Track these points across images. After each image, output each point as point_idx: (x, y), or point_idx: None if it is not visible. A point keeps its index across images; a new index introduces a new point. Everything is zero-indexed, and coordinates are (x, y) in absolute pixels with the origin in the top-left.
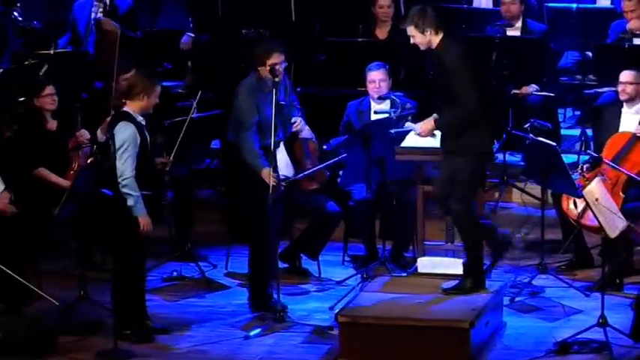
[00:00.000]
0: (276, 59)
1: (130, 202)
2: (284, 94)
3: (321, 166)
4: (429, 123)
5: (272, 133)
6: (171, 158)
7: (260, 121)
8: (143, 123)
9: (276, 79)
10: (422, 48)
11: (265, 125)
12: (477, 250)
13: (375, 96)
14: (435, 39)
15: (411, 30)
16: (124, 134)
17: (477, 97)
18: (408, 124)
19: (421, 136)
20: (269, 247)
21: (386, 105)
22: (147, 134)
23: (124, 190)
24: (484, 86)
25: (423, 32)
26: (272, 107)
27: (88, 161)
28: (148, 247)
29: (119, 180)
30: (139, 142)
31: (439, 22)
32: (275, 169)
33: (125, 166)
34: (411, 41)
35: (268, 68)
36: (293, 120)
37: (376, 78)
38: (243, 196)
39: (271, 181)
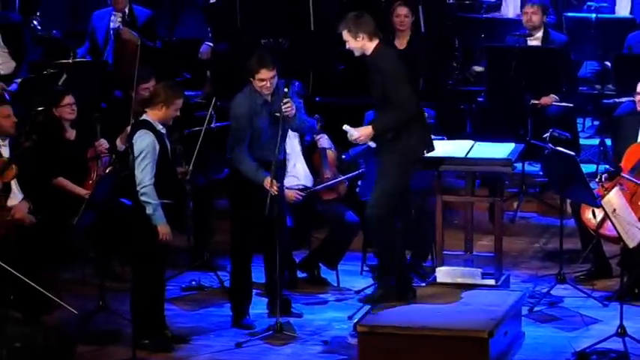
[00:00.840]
0: (265, 75)
1: (148, 210)
2: (278, 107)
3: (342, 178)
4: (366, 128)
5: (277, 145)
6: (190, 168)
7: (254, 133)
8: (163, 131)
9: (265, 94)
10: (356, 54)
11: (260, 138)
12: (388, 259)
13: None
14: (369, 45)
15: (344, 34)
16: (143, 142)
17: (414, 100)
18: (346, 127)
19: (359, 142)
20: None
21: None
22: (167, 143)
23: (143, 198)
24: (417, 93)
25: (355, 37)
26: (268, 119)
27: (107, 170)
28: (168, 256)
29: (138, 188)
30: (158, 150)
31: (374, 28)
32: (277, 179)
33: (144, 175)
34: (346, 46)
35: (258, 83)
36: (284, 101)
37: None
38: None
39: (273, 190)
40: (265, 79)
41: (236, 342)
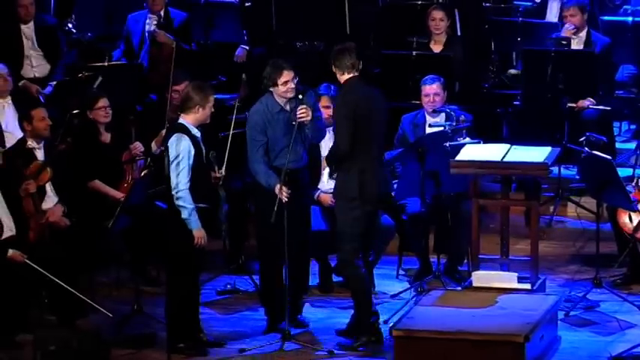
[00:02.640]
0: (287, 76)
1: (184, 214)
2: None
3: None
4: None
5: (289, 150)
6: (223, 172)
7: (270, 142)
8: (198, 135)
9: (290, 96)
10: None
11: (276, 146)
12: (362, 300)
13: (430, 109)
14: (341, 78)
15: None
16: (179, 146)
17: (350, 143)
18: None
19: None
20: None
21: (440, 118)
22: (202, 147)
23: (178, 202)
24: (378, 134)
25: (335, 70)
26: (284, 127)
27: (142, 174)
28: (203, 260)
29: (173, 192)
30: (193, 154)
31: (352, 62)
32: (286, 185)
33: (179, 179)
34: None
35: (282, 88)
36: (300, 107)
37: (431, 91)
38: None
39: (283, 197)
40: (288, 80)
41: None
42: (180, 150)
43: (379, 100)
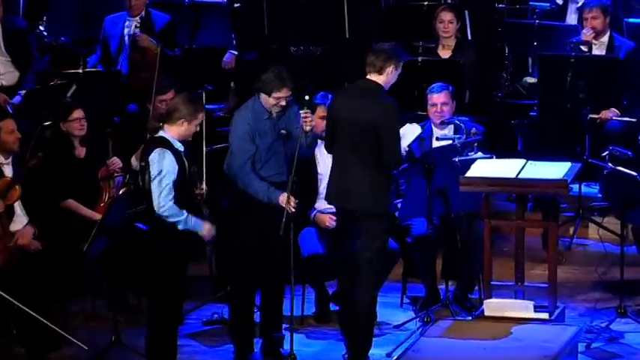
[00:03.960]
0: (284, 93)
1: (181, 226)
2: (286, 124)
3: None
4: None
5: (294, 161)
6: (204, 187)
7: (257, 152)
8: (181, 149)
9: (276, 112)
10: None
11: (264, 156)
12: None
13: (437, 121)
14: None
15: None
16: (162, 162)
17: None
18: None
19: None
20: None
21: (449, 131)
22: (186, 162)
23: (170, 220)
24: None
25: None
26: (272, 135)
27: (121, 192)
28: (187, 286)
29: (159, 212)
30: (177, 170)
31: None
32: (294, 194)
33: (162, 197)
34: None
35: (272, 100)
36: (303, 112)
37: (438, 101)
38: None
39: (290, 207)
40: (284, 97)
41: None
42: (164, 166)
43: None
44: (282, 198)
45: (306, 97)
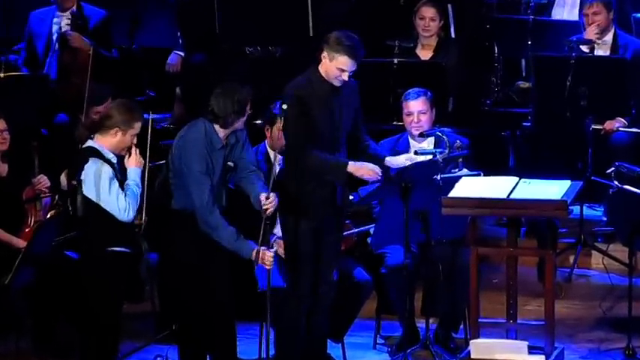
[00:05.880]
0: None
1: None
2: (233, 155)
3: (349, 232)
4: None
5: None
6: (144, 217)
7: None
8: (114, 161)
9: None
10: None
11: (215, 191)
12: None
13: (415, 132)
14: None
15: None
16: (100, 169)
17: None
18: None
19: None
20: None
21: (429, 144)
22: (120, 177)
23: (132, 215)
24: None
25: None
26: (221, 167)
27: (49, 215)
28: (125, 324)
29: (126, 218)
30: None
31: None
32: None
33: (121, 200)
34: None
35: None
36: (264, 196)
37: (414, 109)
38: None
39: (266, 264)
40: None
41: None
42: (103, 172)
43: None
44: (254, 253)
45: (284, 107)
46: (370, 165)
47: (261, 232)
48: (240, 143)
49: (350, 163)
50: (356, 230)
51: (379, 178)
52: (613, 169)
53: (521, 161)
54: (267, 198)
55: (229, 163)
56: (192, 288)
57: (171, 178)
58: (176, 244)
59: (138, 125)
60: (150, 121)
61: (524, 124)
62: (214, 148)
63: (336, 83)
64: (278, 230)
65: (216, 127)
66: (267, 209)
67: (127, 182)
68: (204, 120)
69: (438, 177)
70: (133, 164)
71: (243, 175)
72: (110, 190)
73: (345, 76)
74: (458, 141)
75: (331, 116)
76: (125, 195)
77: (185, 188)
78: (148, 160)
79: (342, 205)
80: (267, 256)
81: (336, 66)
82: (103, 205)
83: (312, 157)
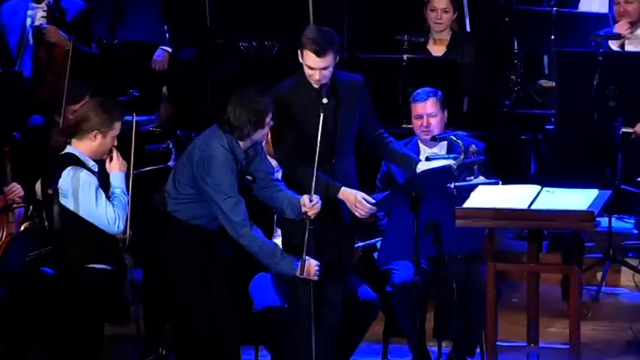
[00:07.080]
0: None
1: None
2: (253, 167)
3: (358, 245)
4: None
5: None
6: (128, 232)
7: None
8: (95, 170)
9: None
10: None
11: None
12: None
13: (425, 137)
14: None
15: None
16: (81, 179)
17: None
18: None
19: None
20: None
21: (441, 149)
22: (101, 185)
23: (122, 226)
24: None
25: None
26: (241, 180)
27: (22, 228)
28: (105, 348)
29: (110, 228)
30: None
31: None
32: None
33: (108, 211)
34: None
35: (260, 132)
36: (307, 198)
37: (423, 112)
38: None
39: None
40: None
41: None
42: (84, 181)
43: None
44: (300, 264)
45: (325, 101)
46: (360, 195)
47: (305, 240)
48: (258, 155)
49: (343, 189)
50: (361, 244)
51: (364, 215)
52: None
53: (543, 168)
54: (311, 201)
55: (248, 177)
56: (190, 306)
57: (180, 187)
58: (175, 257)
59: (118, 125)
60: (134, 123)
61: (547, 126)
62: (236, 162)
63: (315, 85)
64: (278, 241)
65: (261, 136)
66: (310, 212)
67: (111, 190)
68: (227, 134)
69: (452, 185)
70: (117, 169)
71: (263, 186)
72: (97, 201)
73: (317, 76)
74: (473, 145)
75: (322, 123)
76: (113, 205)
77: (203, 202)
78: (132, 167)
79: (349, 220)
80: (313, 267)
81: (304, 64)
82: (88, 218)
83: (299, 174)
